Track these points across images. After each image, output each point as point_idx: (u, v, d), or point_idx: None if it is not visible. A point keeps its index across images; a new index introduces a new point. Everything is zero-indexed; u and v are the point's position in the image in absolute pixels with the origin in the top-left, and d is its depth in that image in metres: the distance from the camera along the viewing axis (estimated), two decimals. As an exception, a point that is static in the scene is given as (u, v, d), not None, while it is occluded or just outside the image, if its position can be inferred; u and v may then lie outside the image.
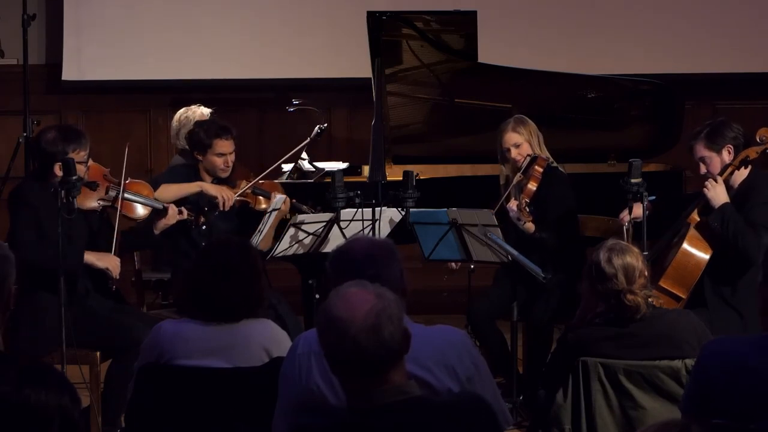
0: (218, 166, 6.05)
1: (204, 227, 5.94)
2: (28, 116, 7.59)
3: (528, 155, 6.03)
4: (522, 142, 6.06)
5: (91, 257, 5.42)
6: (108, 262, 5.43)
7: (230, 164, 6.07)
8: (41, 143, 5.47)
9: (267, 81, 8.50)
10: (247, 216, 6.13)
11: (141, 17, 8.49)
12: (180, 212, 5.74)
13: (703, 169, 5.51)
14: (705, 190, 5.44)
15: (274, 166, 6.38)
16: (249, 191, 6.13)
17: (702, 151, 5.49)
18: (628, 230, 5.77)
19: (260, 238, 5.88)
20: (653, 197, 5.54)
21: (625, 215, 5.65)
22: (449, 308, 6.79)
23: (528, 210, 5.79)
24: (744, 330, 5.29)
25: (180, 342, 3.87)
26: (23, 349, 5.38)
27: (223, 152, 6.04)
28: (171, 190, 5.96)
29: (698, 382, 3.28)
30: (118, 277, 5.44)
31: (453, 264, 6.07)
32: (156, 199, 5.75)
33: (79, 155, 5.41)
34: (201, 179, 6.08)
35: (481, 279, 6.28)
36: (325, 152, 7.99)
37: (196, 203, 5.98)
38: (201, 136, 6.04)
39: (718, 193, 5.41)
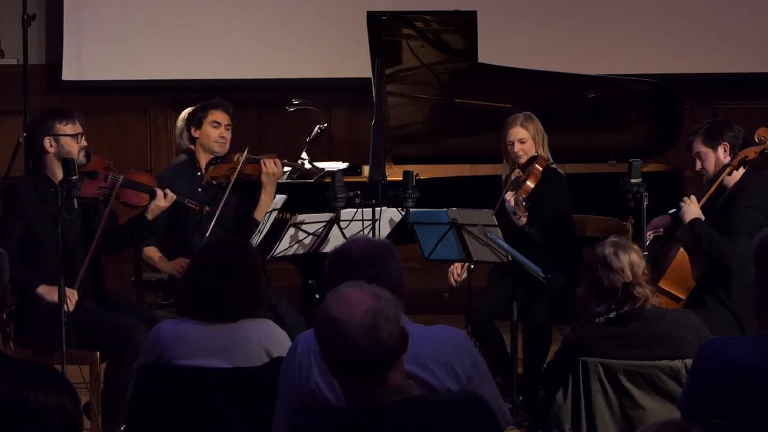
0: (213, 136, 6.02)
1: (206, 213, 5.86)
2: (28, 116, 7.59)
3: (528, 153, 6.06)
4: (527, 138, 6.08)
5: (43, 290, 5.31)
6: (67, 296, 5.20)
7: (226, 138, 6.05)
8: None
9: (267, 81, 8.50)
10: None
11: (141, 17, 8.49)
12: (165, 195, 5.66)
13: (698, 166, 5.56)
14: (681, 203, 5.51)
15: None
16: (245, 162, 6.06)
17: (699, 146, 5.55)
18: (628, 230, 5.78)
19: (260, 237, 5.88)
20: (674, 210, 5.61)
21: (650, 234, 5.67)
22: (449, 308, 6.78)
23: (525, 205, 5.82)
24: (742, 331, 5.30)
25: (180, 342, 3.87)
26: (32, 345, 5.41)
27: (219, 121, 6.04)
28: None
29: (696, 382, 3.28)
30: (70, 311, 5.17)
31: (453, 281, 6.06)
32: (149, 185, 5.71)
33: (66, 128, 5.44)
34: (196, 166, 6.06)
35: (481, 279, 6.28)
36: (325, 152, 7.99)
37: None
38: (197, 110, 6.09)
39: (689, 210, 5.46)
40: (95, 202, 5.56)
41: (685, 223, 5.45)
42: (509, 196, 5.91)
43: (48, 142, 5.42)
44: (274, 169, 6.04)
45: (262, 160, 6.06)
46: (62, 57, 8.48)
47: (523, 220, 5.89)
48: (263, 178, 6.04)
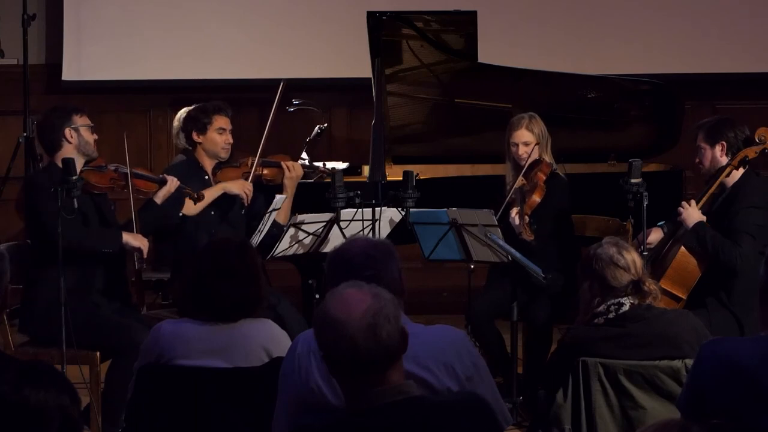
0: (219, 143, 6.04)
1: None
2: (28, 116, 7.60)
3: (530, 156, 6.03)
4: (532, 141, 6.05)
5: (128, 237, 5.49)
6: (141, 241, 5.52)
7: (231, 143, 6.08)
8: (44, 122, 5.60)
9: (267, 81, 8.48)
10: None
11: (141, 17, 8.50)
12: (171, 180, 5.78)
13: (696, 159, 5.59)
14: (680, 208, 5.51)
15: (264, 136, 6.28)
16: (260, 166, 6.10)
17: (699, 140, 5.62)
18: (628, 231, 5.78)
19: (260, 238, 5.88)
20: (662, 222, 5.63)
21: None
22: (449, 308, 6.79)
23: (531, 228, 5.76)
24: (742, 331, 5.30)
25: (180, 342, 3.87)
26: (34, 337, 5.47)
27: (224, 127, 6.05)
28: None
29: (696, 382, 3.28)
30: (146, 257, 5.55)
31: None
32: (154, 175, 5.88)
33: (83, 120, 5.56)
34: (202, 170, 6.07)
35: (481, 279, 6.27)
36: (325, 152, 7.99)
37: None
38: (199, 115, 6.08)
39: (690, 214, 5.46)
40: (110, 192, 5.68)
41: (688, 227, 5.45)
42: (514, 213, 5.85)
43: (68, 133, 5.51)
44: (298, 172, 6.11)
45: (284, 164, 6.09)
46: (62, 57, 8.48)
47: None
48: (287, 181, 6.12)
